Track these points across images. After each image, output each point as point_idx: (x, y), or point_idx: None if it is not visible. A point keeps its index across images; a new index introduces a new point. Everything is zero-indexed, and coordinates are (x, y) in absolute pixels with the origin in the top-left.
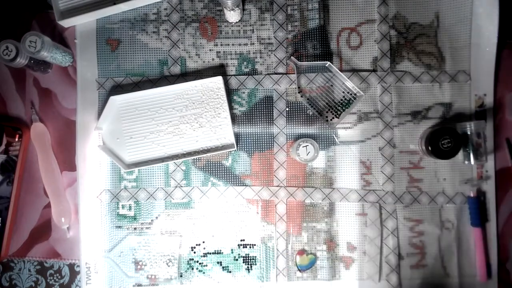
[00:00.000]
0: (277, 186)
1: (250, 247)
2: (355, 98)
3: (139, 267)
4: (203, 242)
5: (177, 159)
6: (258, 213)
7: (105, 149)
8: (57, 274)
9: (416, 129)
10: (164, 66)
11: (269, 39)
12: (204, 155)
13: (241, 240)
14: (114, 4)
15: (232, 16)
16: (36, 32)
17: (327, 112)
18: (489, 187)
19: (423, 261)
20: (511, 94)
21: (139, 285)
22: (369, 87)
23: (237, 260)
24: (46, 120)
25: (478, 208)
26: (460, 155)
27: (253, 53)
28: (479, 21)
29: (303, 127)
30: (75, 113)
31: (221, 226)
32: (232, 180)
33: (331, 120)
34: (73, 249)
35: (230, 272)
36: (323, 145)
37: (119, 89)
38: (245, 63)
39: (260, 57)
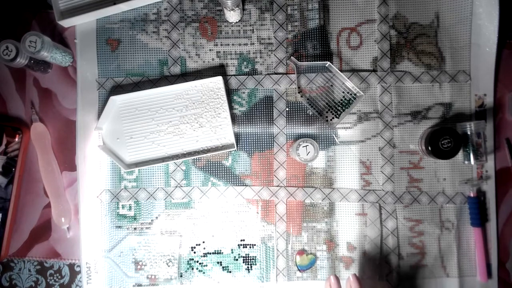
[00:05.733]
0: (277, 186)
1: (250, 247)
2: (355, 98)
3: (139, 267)
4: (203, 242)
5: (177, 159)
6: (258, 213)
7: (105, 149)
8: (57, 274)
9: (416, 129)
10: (164, 66)
11: (269, 39)
12: (204, 155)
13: (241, 240)
14: (114, 4)
15: (232, 16)
16: (36, 32)
17: (327, 112)
18: (489, 187)
19: (423, 261)
20: (511, 94)
21: (139, 285)
22: (369, 87)
23: (237, 260)
24: (46, 120)
25: (478, 208)
26: (460, 155)
27: (253, 53)
28: (479, 21)
29: (303, 127)
30: (75, 113)
31: (221, 226)
32: (232, 180)
33: (331, 120)
34: (73, 249)
35: (230, 272)
36: (323, 145)
37: (119, 89)
38: (245, 63)
39: (260, 57)
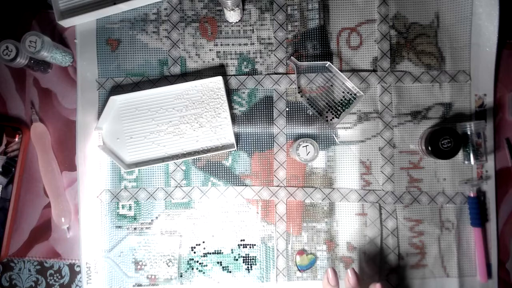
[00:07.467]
0: (277, 186)
1: (250, 247)
2: (355, 98)
3: (139, 267)
4: (203, 242)
5: (177, 159)
6: (258, 213)
7: (105, 149)
8: (57, 274)
9: (416, 129)
10: (164, 66)
11: (269, 39)
12: (204, 155)
13: (241, 240)
14: (114, 4)
15: (232, 16)
16: (36, 32)
17: (327, 112)
18: (489, 187)
19: (423, 261)
20: (511, 94)
21: (139, 285)
22: (369, 87)
23: (237, 260)
24: (46, 120)
25: (478, 208)
26: (460, 155)
27: (253, 53)
28: (479, 21)
29: (303, 127)
30: (75, 113)
31: (221, 226)
32: (232, 180)
33: (331, 120)
34: (73, 249)
35: (230, 272)
36: (323, 145)
37: (119, 89)
38: (245, 63)
39: (260, 57)
